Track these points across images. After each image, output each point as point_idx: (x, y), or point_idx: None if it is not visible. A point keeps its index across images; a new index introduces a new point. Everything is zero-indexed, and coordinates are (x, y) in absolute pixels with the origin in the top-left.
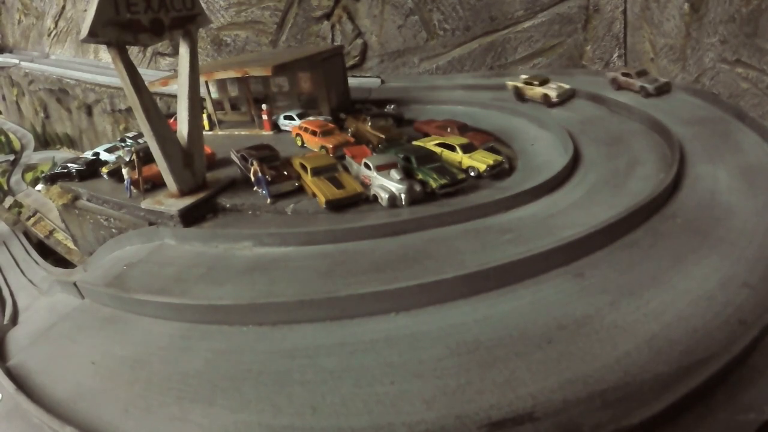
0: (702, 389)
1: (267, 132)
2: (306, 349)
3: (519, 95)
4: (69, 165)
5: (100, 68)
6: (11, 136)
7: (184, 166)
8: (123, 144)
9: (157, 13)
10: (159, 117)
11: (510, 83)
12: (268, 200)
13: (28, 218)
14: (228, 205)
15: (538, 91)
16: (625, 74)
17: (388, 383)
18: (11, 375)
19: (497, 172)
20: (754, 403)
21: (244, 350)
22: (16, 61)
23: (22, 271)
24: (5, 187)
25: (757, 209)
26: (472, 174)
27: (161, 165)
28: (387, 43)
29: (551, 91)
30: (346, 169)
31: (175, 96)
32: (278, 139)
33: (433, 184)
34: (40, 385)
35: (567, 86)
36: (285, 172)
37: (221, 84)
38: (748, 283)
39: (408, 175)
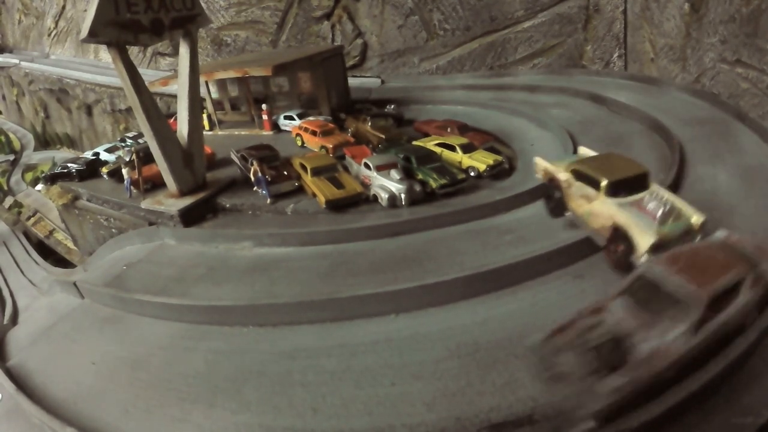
0: (701, 392)
1: (267, 132)
2: (306, 350)
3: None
4: (69, 165)
5: (100, 68)
6: (11, 136)
7: (184, 166)
8: (123, 144)
9: (157, 13)
10: (159, 117)
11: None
12: (268, 200)
13: (28, 218)
14: (228, 205)
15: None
16: None
17: (388, 385)
18: (11, 375)
19: (497, 172)
20: (753, 406)
21: (244, 351)
22: (16, 61)
23: (22, 271)
24: (5, 187)
25: (758, 210)
26: (472, 174)
27: (161, 165)
28: (387, 43)
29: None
30: (346, 169)
31: (175, 96)
32: (278, 139)
33: (433, 184)
34: (40, 385)
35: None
36: (285, 172)
37: (221, 84)
38: None
39: (408, 175)
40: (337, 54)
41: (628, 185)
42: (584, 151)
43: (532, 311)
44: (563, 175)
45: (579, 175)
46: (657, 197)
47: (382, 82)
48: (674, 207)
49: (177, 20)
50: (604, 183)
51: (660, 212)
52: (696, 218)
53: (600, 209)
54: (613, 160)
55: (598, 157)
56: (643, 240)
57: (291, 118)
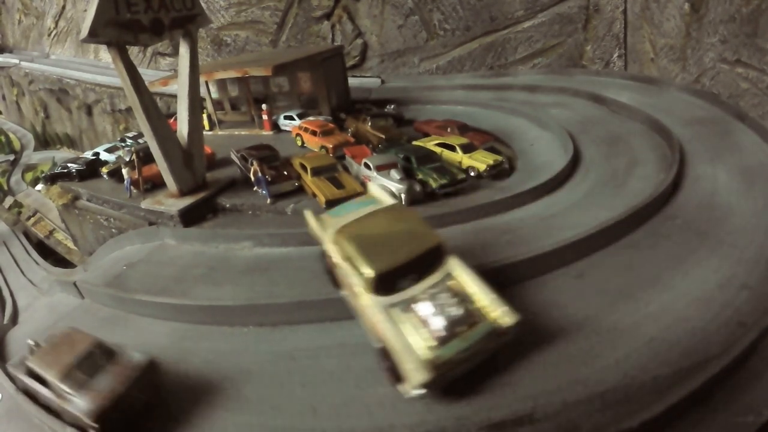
0: (701, 391)
1: (267, 132)
2: (307, 350)
3: None
4: (69, 165)
5: (100, 68)
6: (11, 136)
7: (184, 166)
8: (123, 144)
9: (157, 13)
10: (159, 117)
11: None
12: (268, 200)
13: (28, 218)
14: (228, 205)
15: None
16: None
17: (388, 384)
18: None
19: (497, 172)
20: (753, 404)
21: (244, 351)
22: (16, 61)
23: (22, 271)
24: (5, 187)
25: (757, 210)
26: (472, 174)
27: (161, 165)
28: (387, 43)
29: None
30: (346, 169)
31: (175, 96)
32: (278, 139)
33: (433, 184)
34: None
35: None
36: (285, 172)
37: (221, 84)
38: (747, 285)
39: (408, 175)
40: (337, 54)
41: (409, 270)
42: (375, 194)
43: (532, 311)
44: (330, 248)
45: (344, 254)
46: (445, 292)
47: (382, 82)
48: (468, 309)
49: (177, 20)
50: (368, 275)
51: (444, 324)
52: (505, 319)
53: (365, 310)
54: (396, 228)
55: (379, 219)
56: (412, 374)
57: (291, 118)
